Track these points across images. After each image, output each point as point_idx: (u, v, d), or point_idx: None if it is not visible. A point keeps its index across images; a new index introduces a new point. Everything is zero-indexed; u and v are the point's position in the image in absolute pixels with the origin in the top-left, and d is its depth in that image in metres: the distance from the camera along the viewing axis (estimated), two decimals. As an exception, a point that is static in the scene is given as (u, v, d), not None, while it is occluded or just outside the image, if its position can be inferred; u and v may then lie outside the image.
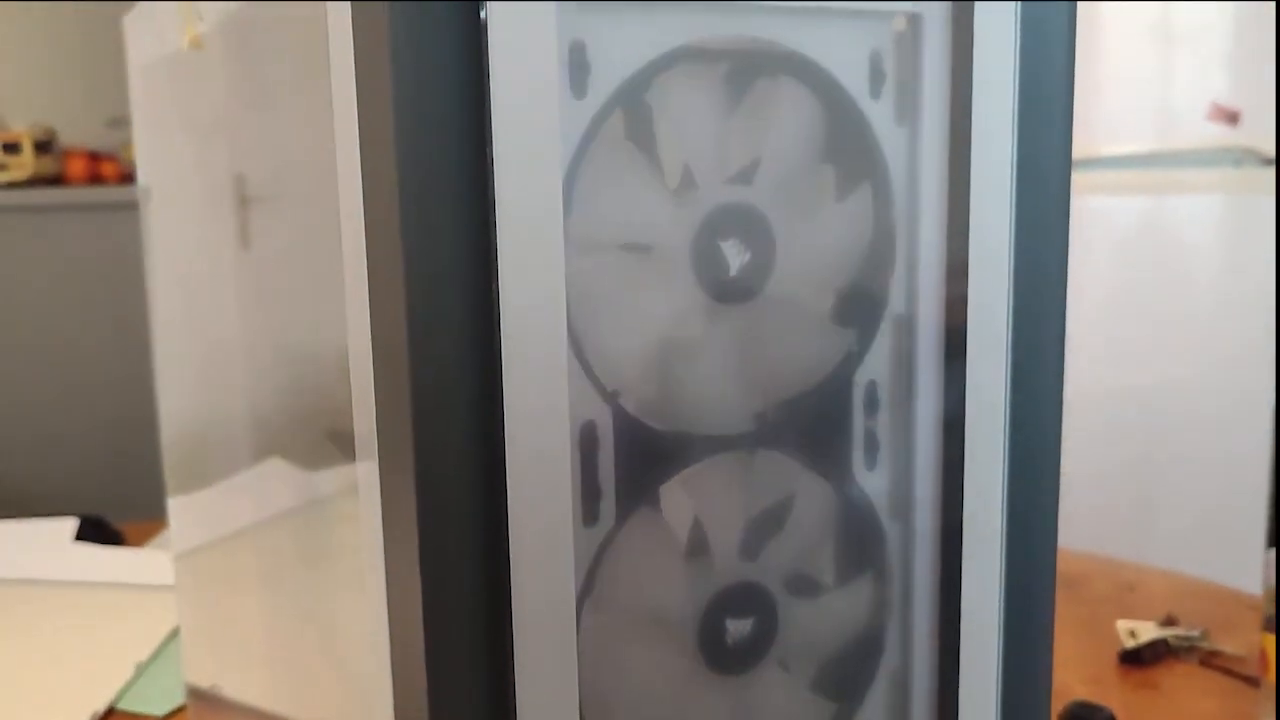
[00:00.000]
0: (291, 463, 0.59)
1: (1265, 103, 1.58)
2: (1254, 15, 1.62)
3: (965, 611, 0.36)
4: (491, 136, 0.27)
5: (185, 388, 0.65)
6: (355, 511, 0.44)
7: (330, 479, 0.45)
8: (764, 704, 0.36)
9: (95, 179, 2.08)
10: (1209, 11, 1.65)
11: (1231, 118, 1.61)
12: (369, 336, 0.29)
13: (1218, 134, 1.63)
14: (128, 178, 2.12)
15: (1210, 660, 0.83)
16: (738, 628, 0.35)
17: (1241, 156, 1.62)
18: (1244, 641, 0.85)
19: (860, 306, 0.35)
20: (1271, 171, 1.59)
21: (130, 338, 1.96)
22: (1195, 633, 0.85)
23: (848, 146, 0.34)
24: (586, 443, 0.31)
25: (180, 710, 0.80)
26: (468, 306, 0.27)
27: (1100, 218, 1.69)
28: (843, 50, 0.34)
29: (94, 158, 2.07)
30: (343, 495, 0.48)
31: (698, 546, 0.34)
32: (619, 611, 0.33)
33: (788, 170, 0.34)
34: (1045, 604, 0.37)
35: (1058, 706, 0.75)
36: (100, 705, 0.79)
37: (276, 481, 0.65)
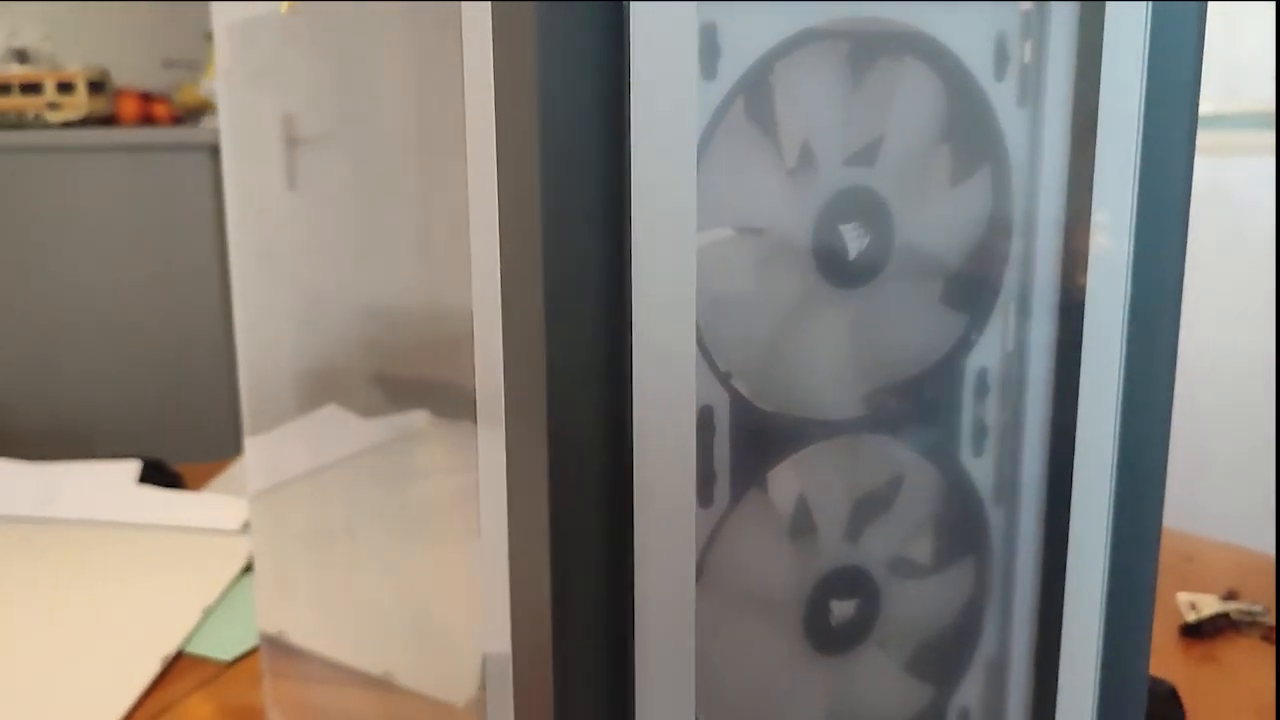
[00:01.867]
0: (348, 409, 0.59)
1: (1263, 67, 1.55)
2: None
3: (1067, 601, 0.36)
4: (630, 120, 0.27)
5: (258, 332, 0.66)
6: (422, 463, 0.44)
7: (384, 426, 0.46)
8: (863, 685, 0.36)
9: (147, 119, 2.08)
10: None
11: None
12: (496, 310, 0.29)
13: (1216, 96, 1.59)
14: (179, 119, 2.13)
15: (1272, 636, 0.82)
16: (841, 609, 0.35)
17: (1239, 119, 1.59)
18: (1308, 618, 0.84)
19: (975, 292, 0.35)
20: (1267, 134, 1.56)
21: (180, 278, 1.97)
22: (1257, 608, 0.84)
23: (970, 128, 0.34)
24: (703, 426, 0.31)
25: (247, 655, 0.82)
26: (602, 288, 0.27)
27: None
28: (968, 31, 0.33)
29: (146, 98, 2.08)
30: (405, 444, 0.48)
31: (805, 529, 0.34)
32: (729, 592, 0.33)
33: (909, 152, 0.33)
34: (1146, 598, 0.37)
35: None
36: (169, 649, 0.81)
37: (335, 427, 0.65)
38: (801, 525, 0.34)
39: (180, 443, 1.46)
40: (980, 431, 0.36)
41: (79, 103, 1.99)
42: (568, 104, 0.26)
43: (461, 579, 0.52)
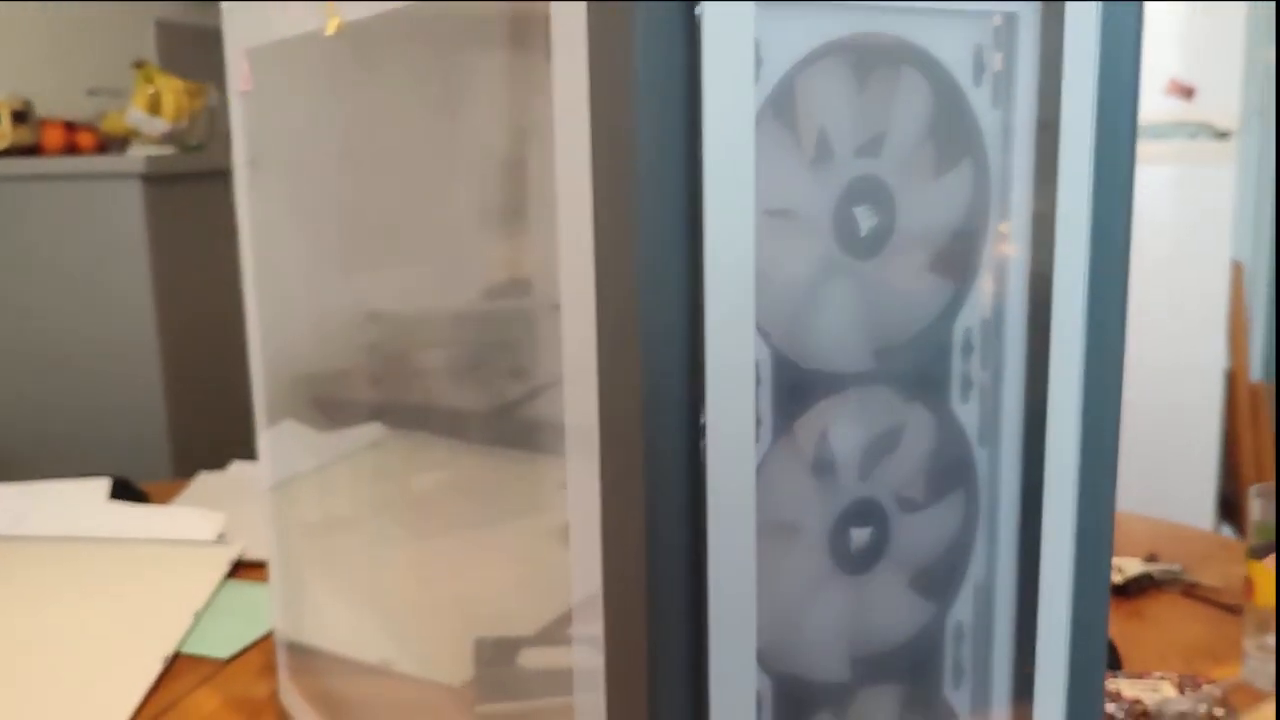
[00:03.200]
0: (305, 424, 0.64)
1: (1217, 79, 1.67)
2: (1208, -5, 1.70)
3: (1044, 528, 0.42)
4: (702, 126, 0.33)
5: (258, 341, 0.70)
6: (391, 468, 0.49)
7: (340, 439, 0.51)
8: (877, 601, 0.42)
9: (71, 149, 2.08)
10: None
11: (1187, 92, 1.70)
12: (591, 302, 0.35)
13: (1174, 108, 1.71)
14: (104, 148, 2.13)
15: (1191, 591, 0.91)
16: (860, 536, 0.41)
17: (1196, 130, 1.71)
18: (1220, 574, 0.93)
19: (960, 265, 0.41)
20: (1223, 144, 1.68)
21: (112, 305, 1.97)
22: (1175, 567, 0.93)
23: (954, 126, 0.40)
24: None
25: (243, 652, 0.85)
26: (683, 269, 0.33)
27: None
28: (952, 44, 0.40)
29: (71, 128, 2.07)
30: (368, 453, 0.53)
31: (828, 467, 0.40)
32: (769, 520, 0.39)
33: (907, 146, 0.39)
34: (1108, 524, 0.44)
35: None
36: (168, 650, 0.84)
37: (295, 441, 0.70)
38: (825, 463, 0.40)
39: (116, 466, 1.47)
40: (967, 383, 0.42)
41: (3, 133, 1.98)
42: (658, 108, 0.32)
43: (449, 571, 0.57)
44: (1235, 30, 1.63)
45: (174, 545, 1.03)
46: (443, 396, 0.53)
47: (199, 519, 1.05)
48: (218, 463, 1.32)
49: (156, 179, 1.98)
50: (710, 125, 0.33)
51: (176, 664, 0.84)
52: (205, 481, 1.26)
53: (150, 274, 1.95)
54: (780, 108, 0.37)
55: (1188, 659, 0.80)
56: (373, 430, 0.60)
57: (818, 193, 0.38)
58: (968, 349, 0.42)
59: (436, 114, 0.49)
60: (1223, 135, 1.66)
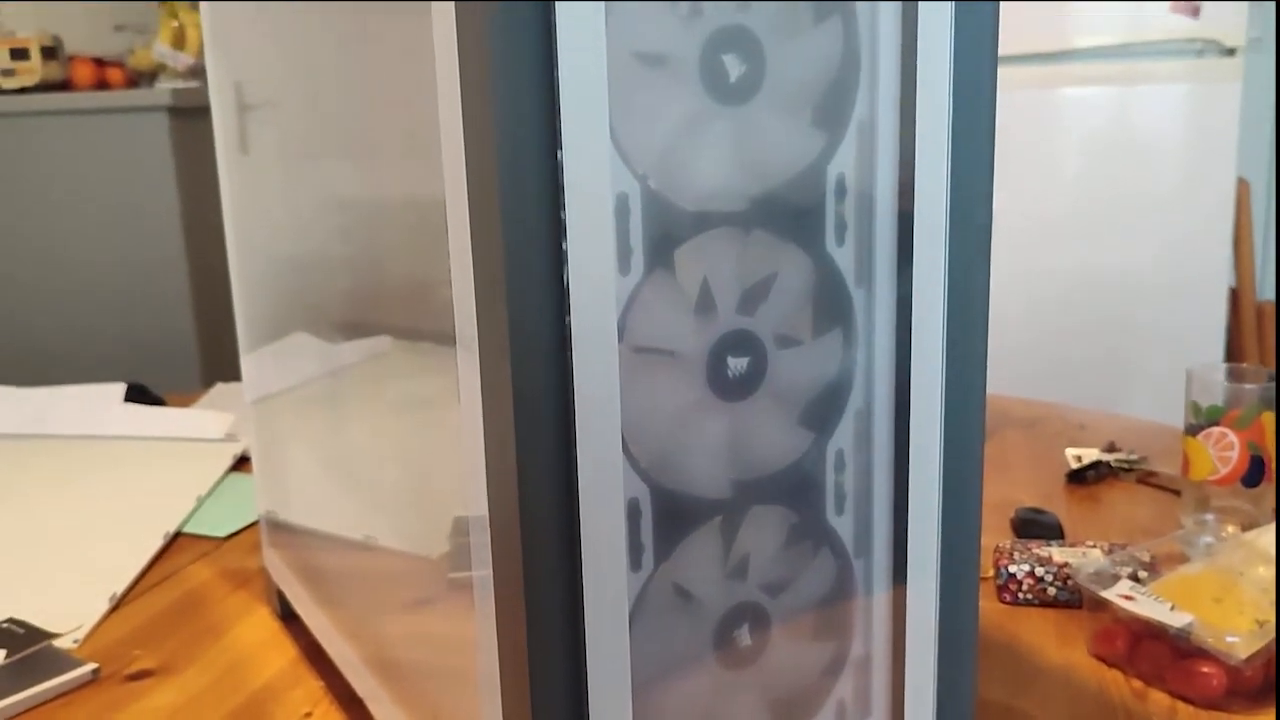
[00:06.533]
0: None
1: None
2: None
3: (914, 357, 0.46)
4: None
5: (245, 272, 0.75)
6: (390, 372, 0.53)
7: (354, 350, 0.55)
8: (760, 429, 0.46)
9: (102, 84, 2.14)
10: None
11: (1194, 10, 1.69)
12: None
13: (1180, 25, 1.71)
14: (133, 82, 2.18)
15: (1147, 479, 0.94)
16: (737, 364, 0.45)
17: (1203, 47, 1.71)
18: (1179, 463, 0.96)
19: (831, 113, 0.45)
20: (1230, 62, 1.68)
21: (143, 233, 2.04)
22: (1134, 456, 0.96)
23: (821, -17, 0.43)
24: (620, 209, 0.41)
25: (239, 533, 0.91)
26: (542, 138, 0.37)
27: (1074, 106, 1.77)
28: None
29: (100, 63, 2.13)
30: (375, 361, 0.57)
31: (705, 300, 0.44)
32: (644, 346, 0.43)
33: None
34: (979, 354, 0.47)
35: (1011, 515, 0.86)
36: (170, 528, 0.90)
37: (308, 350, 0.75)
38: (701, 295, 0.44)
39: (149, 379, 1.54)
40: (841, 226, 0.46)
41: (33, 69, 2.04)
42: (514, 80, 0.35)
43: (432, 457, 0.61)
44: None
45: (184, 443, 1.09)
46: (416, 299, 0.57)
47: (208, 419, 1.11)
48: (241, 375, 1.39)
49: (182, 111, 2.03)
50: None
51: (178, 542, 0.90)
52: (221, 390, 1.32)
53: (178, 201, 2.01)
54: (649, -38, 0.40)
55: (1130, 535, 0.83)
56: (364, 345, 0.64)
57: (681, 38, 0.42)
58: (840, 193, 0.46)
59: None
60: (1229, 52, 1.66)
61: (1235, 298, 1.88)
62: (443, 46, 0.40)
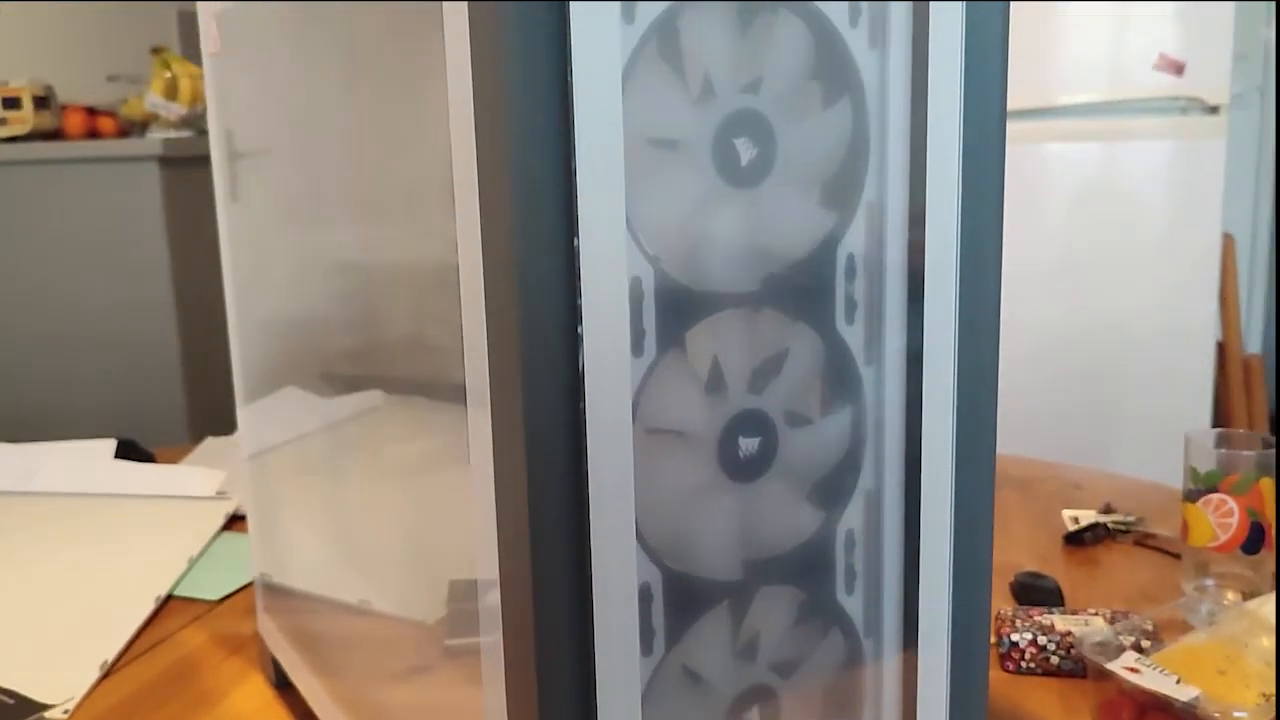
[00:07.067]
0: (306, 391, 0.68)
1: (1207, 54, 1.69)
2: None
3: (925, 441, 0.46)
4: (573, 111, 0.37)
5: (243, 324, 0.75)
6: (383, 430, 0.53)
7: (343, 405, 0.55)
8: (771, 509, 0.46)
9: (92, 134, 2.14)
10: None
11: (1177, 68, 1.72)
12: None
13: (1164, 83, 1.73)
14: (125, 132, 2.19)
15: (1144, 541, 0.94)
16: (748, 445, 0.45)
17: (1187, 104, 1.73)
18: (1176, 525, 0.96)
19: (841, 194, 0.45)
20: (1213, 119, 1.70)
21: (133, 283, 2.03)
22: (1131, 518, 0.96)
23: (832, 65, 0.44)
24: (634, 292, 0.41)
25: (231, 595, 0.90)
26: (559, 196, 0.37)
27: (1058, 162, 1.79)
28: (828, -10, 0.43)
29: (91, 113, 2.13)
30: (367, 416, 0.57)
31: (716, 380, 0.44)
32: (657, 427, 0.42)
33: (786, 83, 0.43)
34: (989, 432, 0.47)
35: (1011, 579, 0.86)
36: (161, 591, 0.89)
37: (298, 405, 0.74)
38: (713, 376, 0.44)
39: (136, 433, 1.53)
40: (851, 305, 0.46)
41: (25, 118, 2.04)
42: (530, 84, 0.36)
43: (427, 519, 0.61)
44: (1225, 6, 1.65)
45: (175, 501, 1.08)
46: (410, 356, 0.57)
47: (199, 476, 1.10)
48: (230, 428, 1.37)
49: (173, 161, 2.03)
50: (579, 63, 0.37)
51: (170, 605, 0.88)
52: (212, 445, 1.31)
53: (168, 251, 2.01)
54: (662, 43, 0.41)
55: (1131, 600, 0.83)
56: (356, 400, 0.64)
57: (695, 124, 0.42)
58: (850, 273, 0.46)
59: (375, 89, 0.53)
60: (1213, 110, 1.68)
61: (1222, 351, 1.89)
62: (459, 131, 0.40)
